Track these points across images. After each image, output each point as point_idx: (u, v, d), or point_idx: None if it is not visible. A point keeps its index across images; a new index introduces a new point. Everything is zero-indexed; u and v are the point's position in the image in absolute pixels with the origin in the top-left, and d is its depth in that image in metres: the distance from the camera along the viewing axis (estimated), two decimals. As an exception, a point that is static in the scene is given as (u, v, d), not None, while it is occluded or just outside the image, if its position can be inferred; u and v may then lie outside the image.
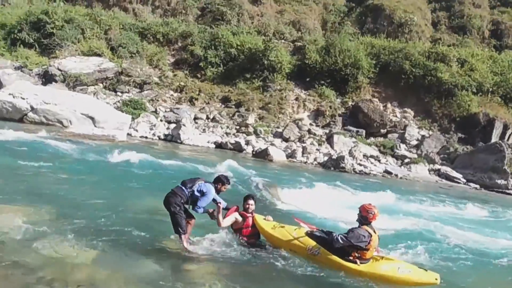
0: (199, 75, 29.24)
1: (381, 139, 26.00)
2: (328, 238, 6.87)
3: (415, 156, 24.62)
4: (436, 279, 6.45)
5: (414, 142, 25.79)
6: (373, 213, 6.68)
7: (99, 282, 5.52)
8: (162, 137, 23.01)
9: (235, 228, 7.67)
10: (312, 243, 7.02)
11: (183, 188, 7.28)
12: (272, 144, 23.31)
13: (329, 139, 24.75)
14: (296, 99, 27.89)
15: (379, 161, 23.68)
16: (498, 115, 26.57)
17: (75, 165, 12.50)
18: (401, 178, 21.88)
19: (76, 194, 9.42)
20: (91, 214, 7.99)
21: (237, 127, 25.12)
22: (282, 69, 28.52)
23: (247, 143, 23.20)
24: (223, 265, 6.69)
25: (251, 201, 7.78)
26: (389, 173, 22.30)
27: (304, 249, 7.04)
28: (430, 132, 26.63)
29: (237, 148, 22.80)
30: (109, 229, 7.38)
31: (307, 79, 28.78)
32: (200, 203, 7.18)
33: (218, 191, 7.43)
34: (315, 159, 22.63)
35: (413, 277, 6.46)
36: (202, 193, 7.22)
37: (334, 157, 22.49)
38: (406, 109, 28.17)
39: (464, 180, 22.96)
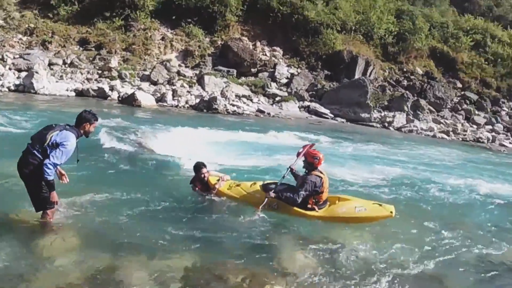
0: (51, 15, 26.19)
1: (252, 78, 25.73)
2: (288, 197, 6.66)
3: (286, 94, 24.86)
4: (391, 212, 6.63)
5: (284, 81, 25.99)
6: (318, 158, 6.77)
7: None
8: (12, 88, 20.14)
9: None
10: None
11: (32, 149, 5.23)
12: (140, 88, 21.78)
13: (200, 80, 23.85)
14: (163, 39, 26.22)
15: (251, 100, 23.48)
16: (361, 52, 27.73)
17: None
18: (273, 116, 21.96)
19: None
20: None
21: (99, 71, 23.01)
22: (145, 6, 26.44)
23: (112, 88, 21.38)
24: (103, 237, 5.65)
25: (204, 170, 7.40)
26: (262, 112, 22.24)
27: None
28: (299, 70, 26.97)
29: (101, 94, 20.90)
30: None
31: (173, 17, 27.10)
32: (51, 159, 5.08)
33: (86, 134, 5.50)
34: (186, 102, 21.68)
35: (370, 214, 6.68)
36: (55, 145, 5.12)
37: (206, 98, 21.75)
38: (275, 47, 28.09)
39: (332, 115, 23.83)
